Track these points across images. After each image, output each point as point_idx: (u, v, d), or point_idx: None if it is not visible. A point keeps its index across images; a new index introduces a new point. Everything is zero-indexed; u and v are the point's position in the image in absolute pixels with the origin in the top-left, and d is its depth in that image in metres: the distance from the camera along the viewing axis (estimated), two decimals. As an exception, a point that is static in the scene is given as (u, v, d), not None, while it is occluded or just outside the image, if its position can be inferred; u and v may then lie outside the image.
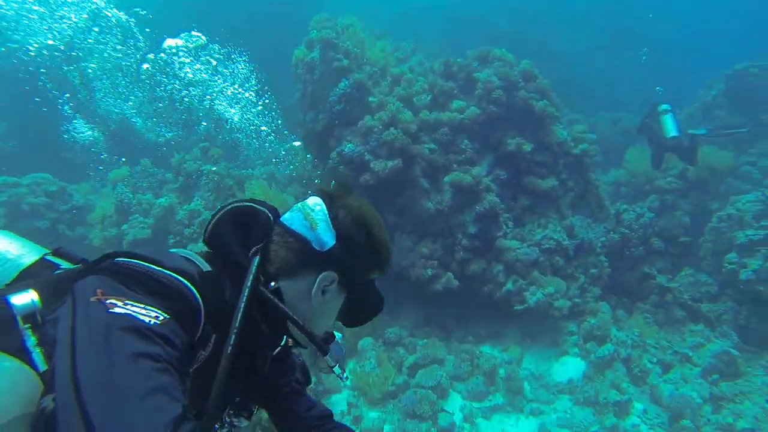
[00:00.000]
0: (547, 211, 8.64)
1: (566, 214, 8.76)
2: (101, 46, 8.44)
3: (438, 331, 7.81)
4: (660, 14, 21.05)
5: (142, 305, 0.93)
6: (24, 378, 0.93)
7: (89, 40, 8.35)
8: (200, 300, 1.04)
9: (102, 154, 10.43)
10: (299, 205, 1.29)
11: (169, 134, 9.78)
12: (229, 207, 1.25)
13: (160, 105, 9.09)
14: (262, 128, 8.47)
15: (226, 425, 1.31)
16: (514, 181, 8.52)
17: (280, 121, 8.71)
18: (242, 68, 8.33)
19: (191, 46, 8.12)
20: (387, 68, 9.20)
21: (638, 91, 15.76)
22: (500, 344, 7.69)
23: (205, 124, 10.41)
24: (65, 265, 1.29)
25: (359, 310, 1.34)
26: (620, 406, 6.42)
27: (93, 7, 7.96)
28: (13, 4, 7.57)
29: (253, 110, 8.40)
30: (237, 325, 1.10)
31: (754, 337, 7.57)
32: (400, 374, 6.88)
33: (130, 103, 9.20)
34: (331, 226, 1.23)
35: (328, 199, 1.28)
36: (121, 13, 8.27)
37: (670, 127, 9.07)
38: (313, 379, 2.20)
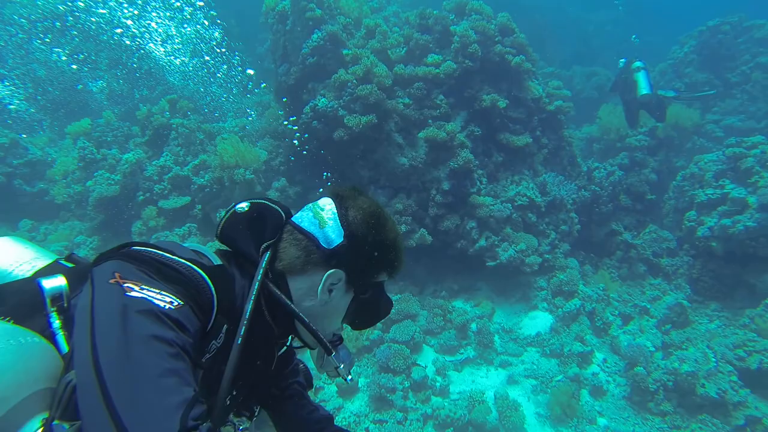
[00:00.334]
0: (521, 167, 8.72)
1: (539, 170, 8.87)
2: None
3: (411, 287, 7.96)
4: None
5: (158, 291, 0.96)
6: (49, 355, 0.96)
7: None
8: (214, 289, 1.06)
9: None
10: (310, 204, 1.30)
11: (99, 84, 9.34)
12: (243, 204, 1.27)
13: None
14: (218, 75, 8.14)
15: (228, 423, 1.32)
16: (488, 137, 8.52)
17: (252, 72, 8.39)
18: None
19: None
20: (361, 19, 8.86)
21: (614, 45, 15.73)
22: (473, 299, 7.91)
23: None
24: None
25: (366, 311, 1.34)
26: (583, 356, 6.78)
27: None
28: None
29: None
30: (247, 315, 1.12)
31: (703, 288, 8.04)
32: (374, 329, 7.04)
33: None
34: (340, 225, 1.23)
35: (339, 199, 1.28)
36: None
37: (643, 84, 9.14)
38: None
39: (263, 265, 1.20)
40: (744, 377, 6.25)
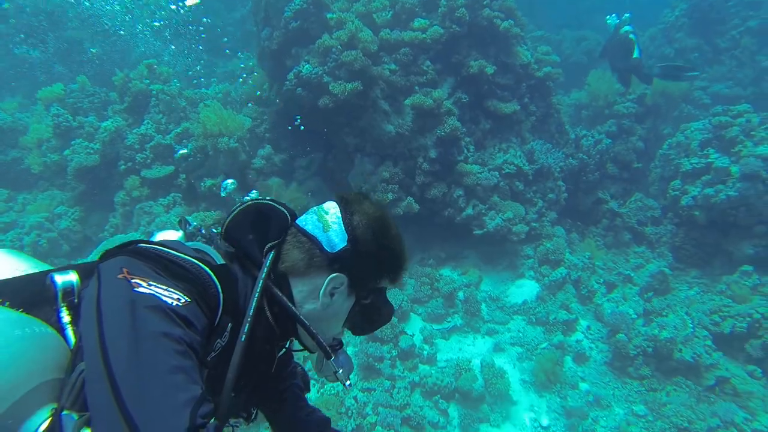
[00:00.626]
0: (509, 135, 8.65)
1: (527, 138, 8.81)
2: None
3: (399, 255, 7.96)
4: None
5: (165, 287, 0.96)
6: (59, 346, 0.97)
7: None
8: (220, 287, 1.07)
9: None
10: (315, 208, 1.31)
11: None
12: (249, 204, 1.28)
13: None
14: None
15: (228, 425, 1.31)
16: (476, 104, 8.40)
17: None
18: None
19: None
20: (346, -21, 8.53)
21: (605, 8, 15.43)
22: (460, 267, 7.97)
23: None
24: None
25: (367, 316, 1.33)
26: (568, 324, 6.93)
27: None
28: None
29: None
30: (251, 313, 1.13)
31: (685, 256, 8.21)
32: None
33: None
34: (344, 229, 1.23)
35: (344, 203, 1.28)
36: None
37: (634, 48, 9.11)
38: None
39: (267, 264, 1.20)
40: (717, 341, 6.49)
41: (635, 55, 9.10)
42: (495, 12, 8.26)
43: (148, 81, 8.97)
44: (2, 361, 0.87)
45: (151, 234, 2.69)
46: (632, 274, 7.87)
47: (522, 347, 6.70)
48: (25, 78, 12.32)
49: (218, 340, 1.09)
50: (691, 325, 6.52)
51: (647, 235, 8.75)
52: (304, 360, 4.33)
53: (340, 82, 7.25)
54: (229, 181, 7.45)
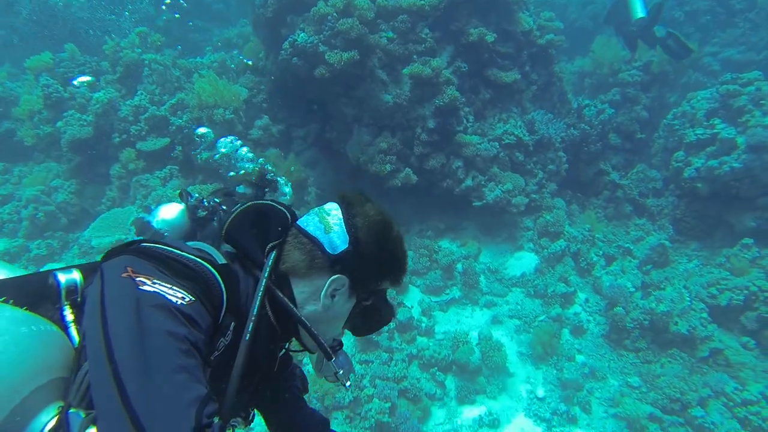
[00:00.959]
0: (509, 104, 8.47)
1: (528, 108, 8.63)
2: None
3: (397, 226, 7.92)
4: None
5: (170, 286, 0.96)
6: (64, 344, 0.96)
7: None
8: (223, 286, 1.07)
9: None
10: (316, 209, 1.32)
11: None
12: (250, 204, 1.29)
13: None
14: None
15: (228, 426, 1.31)
16: (475, 73, 8.18)
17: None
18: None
19: None
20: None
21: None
22: (459, 239, 7.94)
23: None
24: None
25: (368, 318, 1.34)
26: (566, 297, 6.96)
27: None
28: None
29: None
30: (255, 311, 1.14)
31: (685, 228, 8.16)
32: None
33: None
34: (346, 231, 1.23)
35: (346, 204, 1.29)
36: None
37: (637, 8, 8.79)
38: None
39: (269, 263, 1.21)
40: (714, 313, 6.53)
41: (642, 15, 8.78)
42: (497, -25, 7.96)
43: (140, 50, 8.74)
44: (10, 358, 0.86)
45: (154, 209, 2.65)
46: (632, 247, 7.84)
47: (520, 320, 6.74)
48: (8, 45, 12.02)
49: (222, 339, 1.09)
50: (688, 299, 6.53)
51: (648, 207, 8.67)
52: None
53: (336, 51, 7.04)
54: (202, 129, 6.73)
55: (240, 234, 1.26)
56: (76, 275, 1.06)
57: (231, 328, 1.11)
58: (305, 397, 1.67)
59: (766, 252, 6.94)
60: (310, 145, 8.55)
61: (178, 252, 1.06)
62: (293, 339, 1.35)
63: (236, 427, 1.36)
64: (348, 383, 1.43)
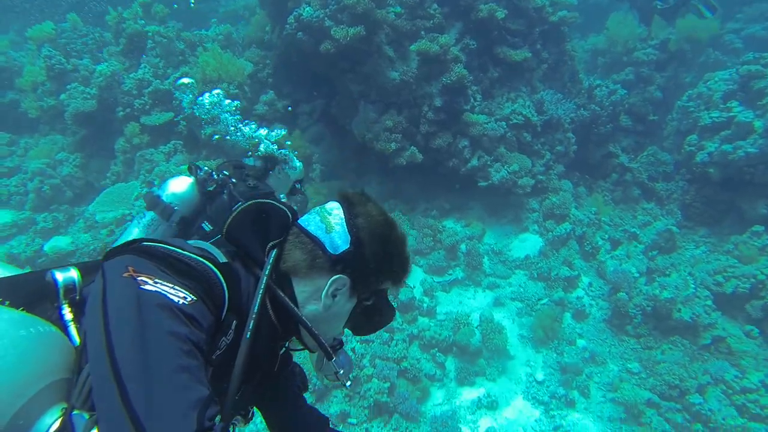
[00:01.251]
0: (518, 83, 8.28)
1: (537, 87, 8.43)
2: None
3: (402, 205, 7.89)
4: None
5: (171, 285, 0.95)
6: (64, 345, 0.96)
7: None
8: (225, 284, 1.07)
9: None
10: (317, 208, 1.31)
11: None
12: (251, 203, 1.27)
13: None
14: None
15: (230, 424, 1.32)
16: (484, 51, 7.98)
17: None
18: None
19: None
20: None
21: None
22: (464, 219, 7.88)
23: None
24: None
25: (369, 318, 1.34)
26: (569, 281, 6.91)
27: None
28: None
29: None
30: (256, 309, 1.13)
31: (694, 214, 8.02)
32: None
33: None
34: (348, 231, 1.22)
35: (347, 204, 1.27)
36: None
37: None
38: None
39: (270, 262, 1.21)
40: (718, 301, 6.48)
41: None
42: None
43: (143, 21, 8.58)
44: (10, 362, 0.86)
45: (163, 183, 2.62)
46: (638, 232, 7.74)
47: (522, 302, 6.72)
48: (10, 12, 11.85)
49: (223, 338, 1.09)
50: (692, 286, 6.47)
51: (657, 191, 8.52)
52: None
53: (342, 26, 6.87)
54: (185, 80, 6.55)
55: (241, 232, 1.25)
56: (73, 273, 1.06)
57: (233, 326, 1.11)
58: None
59: (776, 240, 6.83)
60: (316, 121, 8.45)
61: (180, 251, 1.06)
62: (293, 337, 1.35)
63: (236, 425, 1.36)
64: (348, 383, 1.42)
